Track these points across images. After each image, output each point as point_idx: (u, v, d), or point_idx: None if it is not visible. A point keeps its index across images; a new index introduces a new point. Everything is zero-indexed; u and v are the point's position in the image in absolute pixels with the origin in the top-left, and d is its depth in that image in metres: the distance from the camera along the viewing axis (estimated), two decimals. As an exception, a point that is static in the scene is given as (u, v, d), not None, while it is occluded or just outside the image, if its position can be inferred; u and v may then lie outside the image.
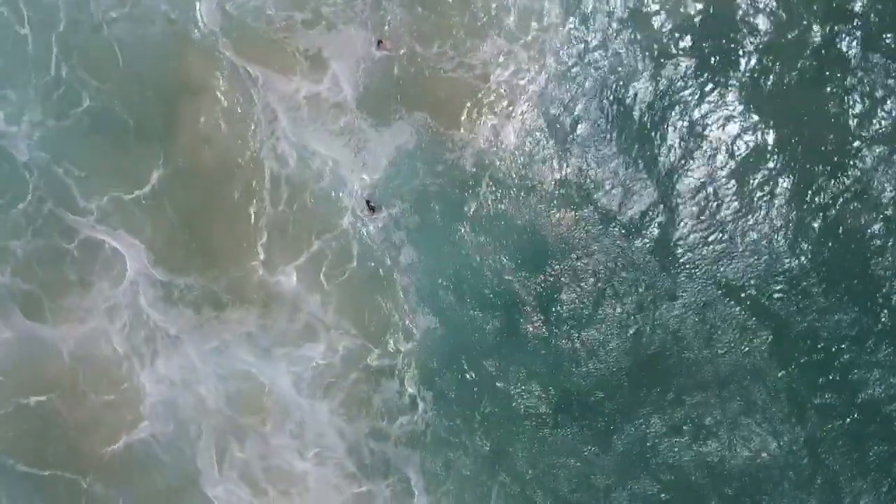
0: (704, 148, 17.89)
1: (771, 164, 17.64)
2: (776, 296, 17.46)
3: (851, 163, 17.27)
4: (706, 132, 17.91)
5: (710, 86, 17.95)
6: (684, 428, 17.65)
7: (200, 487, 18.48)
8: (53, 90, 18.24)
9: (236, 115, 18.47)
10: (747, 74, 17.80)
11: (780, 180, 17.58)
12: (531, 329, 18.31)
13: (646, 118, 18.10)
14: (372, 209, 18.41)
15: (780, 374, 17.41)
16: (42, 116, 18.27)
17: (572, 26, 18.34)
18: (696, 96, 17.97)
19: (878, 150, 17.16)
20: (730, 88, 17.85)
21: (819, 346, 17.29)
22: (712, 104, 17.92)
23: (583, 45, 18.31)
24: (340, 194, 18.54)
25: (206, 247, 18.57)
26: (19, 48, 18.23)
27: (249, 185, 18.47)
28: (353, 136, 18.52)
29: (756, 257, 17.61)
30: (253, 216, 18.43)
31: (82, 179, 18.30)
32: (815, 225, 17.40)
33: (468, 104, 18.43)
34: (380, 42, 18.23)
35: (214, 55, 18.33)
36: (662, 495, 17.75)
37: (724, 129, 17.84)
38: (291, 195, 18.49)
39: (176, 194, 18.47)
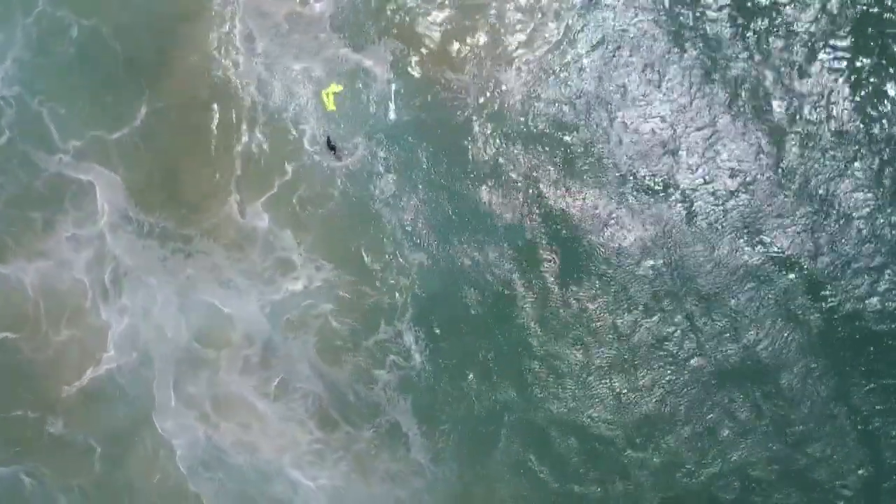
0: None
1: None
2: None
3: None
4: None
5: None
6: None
7: (155, 420, 18.09)
8: (39, 25, 18.45)
9: (220, 42, 18.43)
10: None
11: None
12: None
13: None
14: (333, 148, 17.99)
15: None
16: (27, 53, 18.45)
17: None
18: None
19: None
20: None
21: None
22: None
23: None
24: (310, 125, 18.28)
25: (181, 182, 18.37)
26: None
27: (229, 115, 18.26)
28: (334, 62, 18.33)
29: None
30: (230, 148, 18.24)
31: (62, 116, 18.39)
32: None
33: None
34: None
35: None
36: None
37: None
38: (266, 125, 18.25)
39: (158, 130, 18.40)
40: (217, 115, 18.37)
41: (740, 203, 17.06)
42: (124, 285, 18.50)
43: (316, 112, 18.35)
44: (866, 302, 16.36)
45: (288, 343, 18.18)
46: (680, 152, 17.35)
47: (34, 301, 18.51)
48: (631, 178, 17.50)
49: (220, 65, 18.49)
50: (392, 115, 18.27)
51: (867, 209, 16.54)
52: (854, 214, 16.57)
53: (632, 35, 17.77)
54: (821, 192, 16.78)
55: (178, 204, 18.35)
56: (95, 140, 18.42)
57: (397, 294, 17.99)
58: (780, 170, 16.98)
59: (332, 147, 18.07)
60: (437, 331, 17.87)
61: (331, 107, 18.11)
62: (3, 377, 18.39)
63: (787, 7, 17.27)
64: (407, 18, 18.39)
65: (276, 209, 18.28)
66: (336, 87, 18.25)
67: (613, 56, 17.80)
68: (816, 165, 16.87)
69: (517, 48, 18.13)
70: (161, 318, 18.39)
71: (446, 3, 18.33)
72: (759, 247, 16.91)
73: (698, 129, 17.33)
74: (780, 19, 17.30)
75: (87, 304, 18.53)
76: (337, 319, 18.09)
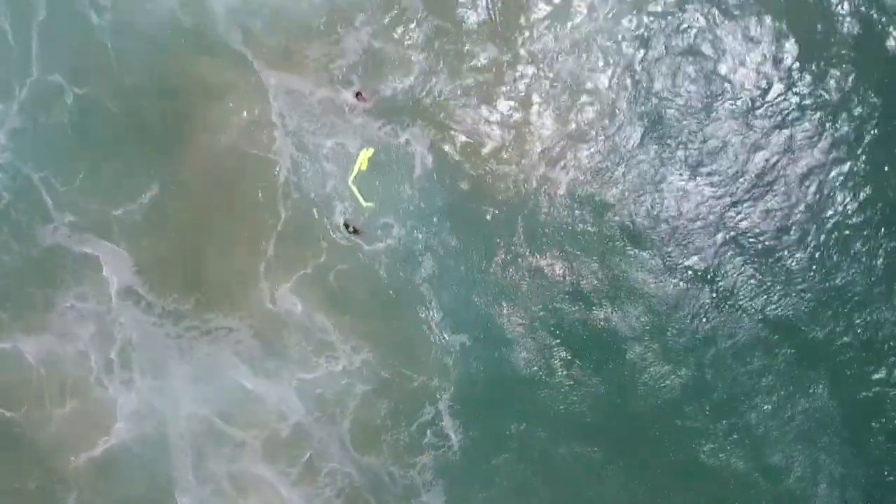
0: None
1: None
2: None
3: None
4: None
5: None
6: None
7: (176, 495, 17.29)
8: (36, 92, 16.40)
9: (245, 119, 16.60)
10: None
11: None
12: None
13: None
14: (355, 231, 16.81)
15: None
16: (23, 121, 16.41)
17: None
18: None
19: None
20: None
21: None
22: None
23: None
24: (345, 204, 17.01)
25: (201, 265, 16.82)
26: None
27: (257, 194, 16.67)
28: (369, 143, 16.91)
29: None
30: (259, 228, 16.77)
31: (60, 188, 16.53)
32: None
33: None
34: (358, 94, 16.63)
35: (226, 55, 16.52)
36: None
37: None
38: (299, 204, 16.79)
39: (173, 208, 16.71)
40: (244, 194, 16.66)
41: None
42: (133, 359, 17.15)
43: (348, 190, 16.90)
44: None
45: (320, 422, 17.28)
46: (732, 256, 16.48)
47: (35, 375, 17.14)
48: (674, 270, 16.69)
49: (249, 142, 16.60)
50: (427, 198, 16.97)
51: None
52: None
53: (682, 132, 16.56)
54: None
55: (198, 287, 16.84)
56: (97, 213, 16.54)
57: (437, 375, 17.21)
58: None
59: (351, 230, 16.92)
60: (477, 413, 17.25)
61: (362, 199, 16.75)
62: (7, 451, 17.27)
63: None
64: (445, 106, 16.85)
65: (310, 290, 17.00)
66: (367, 153, 16.60)
67: (665, 155, 16.55)
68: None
69: (563, 140, 16.82)
70: (176, 394, 17.21)
71: (487, 92, 16.83)
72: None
73: (752, 231, 16.43)
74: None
75: (91, 378, 17.23)
76: (374, 399, 17.28)
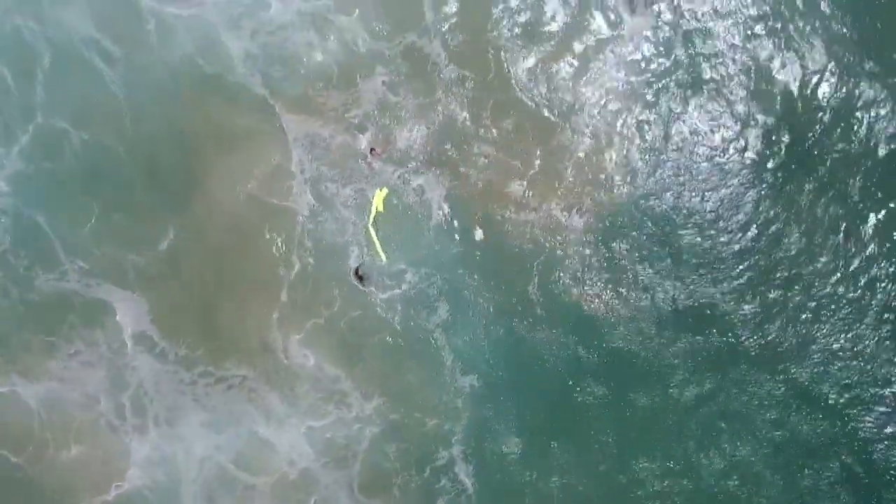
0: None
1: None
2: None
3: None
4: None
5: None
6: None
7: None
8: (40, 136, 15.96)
9: (262, 165, 16.41)
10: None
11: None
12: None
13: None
14: (360, 278, 16.81)
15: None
16: (25, 165, 15.96)
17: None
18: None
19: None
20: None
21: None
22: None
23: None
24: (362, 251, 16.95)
25: (216, 315, 16.66)
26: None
27: (275, 242, 16.51)
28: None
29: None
30: (275, 277, 16.61)
31: (71, 235, 16.23)
32: None
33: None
34: (372, 150, 16.55)
35: (244, 100, 16.28)
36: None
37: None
38: (315, 252, 16.69)
39: (188, 255, 16.48)
40: (262, 242, 16.49)
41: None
42: (147, 405, 16.94)
43: (366, 237, 16.84)
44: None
45: (327, 467, 17.23)
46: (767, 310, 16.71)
47: (38, 419, 16.81)
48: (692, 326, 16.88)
49: (267, 189, 16.41)
50: (441, 244, 16.99)
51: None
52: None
53: (714, 192, 16.79)
54: None
55: (212, 334, 16.63)
56: (110, 259, 16.24)
57: (450, 420, 17.25)
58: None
59: (359, 277, 16.89)
60: (492, 456, 17.32)
61: (380, 248, 16.77)
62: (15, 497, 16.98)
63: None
64: (462, 154, 16.85)
65: (323, 339, 16.91)
66: (382, 194, 16.56)
67: (682, 204, 16.73)
68: None
69: (580, 190, 16.92)
70: (189, 440, 17.07)
71: (505, 140, 16.84)
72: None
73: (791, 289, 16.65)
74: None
75: (101, 422, 16.99)
76: (384, 444, 17.25)
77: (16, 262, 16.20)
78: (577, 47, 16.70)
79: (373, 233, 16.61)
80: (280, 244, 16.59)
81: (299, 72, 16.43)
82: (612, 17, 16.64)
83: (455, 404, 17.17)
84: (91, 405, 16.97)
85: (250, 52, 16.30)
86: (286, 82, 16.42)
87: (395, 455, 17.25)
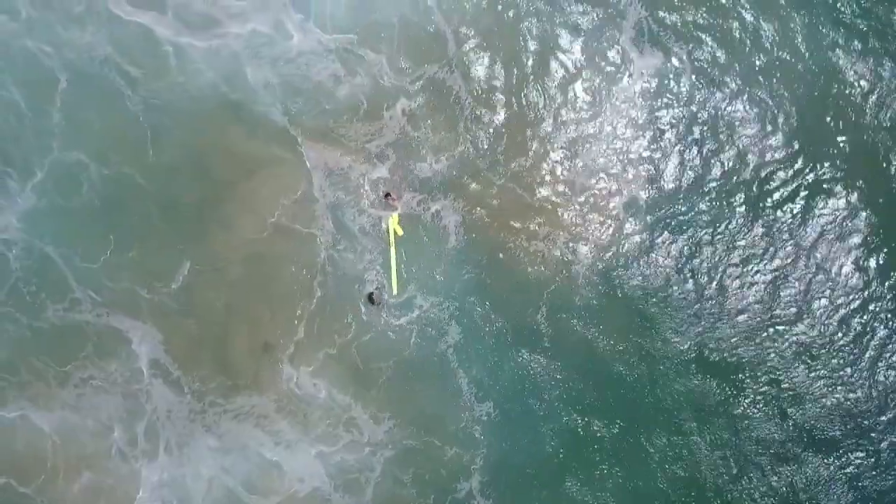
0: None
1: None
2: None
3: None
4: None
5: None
6: None
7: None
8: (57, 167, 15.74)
9: (285, 198, 16.40)
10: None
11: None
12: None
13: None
14: (372, 302, 16.99)
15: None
16: (40, 200, 15.79)
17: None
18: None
19: None
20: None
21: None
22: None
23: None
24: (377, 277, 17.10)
25: (230, 349, 16.64)
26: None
27: (293, 275, 16.54)
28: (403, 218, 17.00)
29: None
30: (292, 310, 16.63)
31: (85, 267, 16.09)
32: None
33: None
34: (387, 195, 16.78)
35: (266, 129, 16.26)
36: None
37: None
38: (328, 286, 16.75)
39: (204, 288, 16.43)
40: (281, 275, 16.50)
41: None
42: (159, 432, 16.82)
43: (383, 263, 16.96)
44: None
45: (338, 492, 17.30)
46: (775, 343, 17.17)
47: (50, 445, 16.60)
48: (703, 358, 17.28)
49: (286, 223, 16.38)
50: (455, 271, 17.21)
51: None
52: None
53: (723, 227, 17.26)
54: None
55: (225, 365, 16.61)
56: (125, 293, 16.12)
57: (470, 448, 17.39)
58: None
59: (372, 301, 17.07)
60: (505, 483, 17.49)
61: (395, 277, 16.97)
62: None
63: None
64: (478, 184, 17.17)
65: (336, 366, 16.99)
66: (395, 219, 16.76)
67: (696, 239, 17.17)
68: None
69: (593, 221, 17.31)
70: (199, 465, 16.96)
71: (520, 173, 17.15)
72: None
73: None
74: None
75: (113, 449, 16.82)
76: (396, 470, 17.31)
77: (27, 290, 15.91)
78: (589, 84, 17.07)
79: (393, 258, 16.69)
80: (304, 272, 16.59)
81: (320, 103, 16.44)
82: (621, 56, 17.04)
83: (473, 432, 17.34)
84: (104, 433, 16.82)
85: (270, 81, 16.23)
86: (307, 112, 16.42)
87: (410, 482, 17.41)
